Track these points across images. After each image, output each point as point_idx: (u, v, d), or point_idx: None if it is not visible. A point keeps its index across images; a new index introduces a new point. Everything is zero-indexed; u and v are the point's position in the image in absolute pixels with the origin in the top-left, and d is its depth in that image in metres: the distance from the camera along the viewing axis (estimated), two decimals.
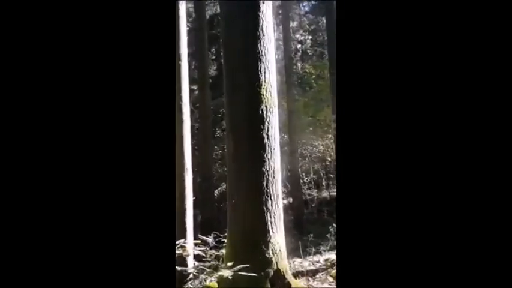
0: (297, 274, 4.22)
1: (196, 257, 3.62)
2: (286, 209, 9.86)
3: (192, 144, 12.19)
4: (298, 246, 4.95)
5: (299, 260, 4.92)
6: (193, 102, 11.93)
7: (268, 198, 3.15)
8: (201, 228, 7.36)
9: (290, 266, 4.59)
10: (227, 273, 2.22)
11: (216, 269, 2.30)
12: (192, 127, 12.05)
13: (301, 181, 10.61)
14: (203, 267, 2.45)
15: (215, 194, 9.39)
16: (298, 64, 14.65)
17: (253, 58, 3.20)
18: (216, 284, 2.08)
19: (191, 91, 11.62)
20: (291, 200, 9.74)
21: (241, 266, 2.44)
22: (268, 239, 3.11)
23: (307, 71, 11.96)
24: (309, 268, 4.53)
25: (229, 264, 2.64)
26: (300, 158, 10.75)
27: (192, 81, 11.48)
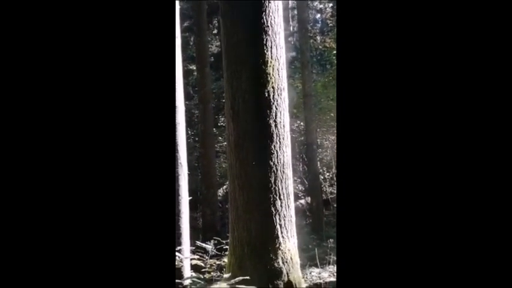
0: (314, 287, 4.22)
1: (194, 268, 3.63)
2: (304, 210, 9.87)
3: (192, 135, 12.19)
4: (315, 254, 4.94)
5: (317, 270, 4.91)
6: (192, 85, 11.95)
7: (277, 198, 3.13)
8: (202, 233, 7.43)
9: (306, 278, 4.60)
10: (223, 286, 2.21)
11: (210, 281, 2.29)
12: (192, 114, 12.10)
13: (321, 177, 10.58)
14: (197, 279, 2.45)
15: (219, 194, 9.42)
16: (318, 38, 14.49)
17: (257, 30, 3.16)
18: None
19: (190, 72, 11.63)
20: (309, 199, 9.72)
21: (241, 278, 2.42)
22: (277, 245, 3.09)
23: (328, 45, 11.82)
24: (328, 279, 4.52)
25: (226, 275, 2.63)
26: (319, 150, 10.71)
27: (190, 59, 11.50)
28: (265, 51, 3.16)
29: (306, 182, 10.16)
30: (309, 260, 5.10)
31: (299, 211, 9.62)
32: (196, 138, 10.57)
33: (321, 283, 4.32)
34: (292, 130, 10.37)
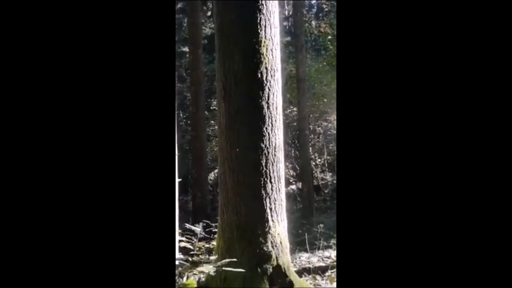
0: (303, 271, 4.21)
1: (183, 250, 3.59)
2: (295, 195, 9.87)
3: (184, 118, 12.07)
4: (306, 239, 4.93)
5: (306, 255, 4.91)
6: (185, 67, 11.79)
7: (268, 181, 3.07)
8: (192, 216, 7.40)
9: (295, 262, 4.59)
10: (208, 268, 2.16)
11: (195, 263, 2.25)
12: (184, 97, 11.96)
13: (313, 163, 10.56)
14: (183, 262, 2.40)
15: (210, 177, 9.38)
16: (313, 22, 14.35)
17: (251, 8, 3.06)
18: (194, 283, 2.03)
19: (183, 54, 11.47)
20: (300, 185, 9.72)
21: (226, 260, 2.38)
22: (267, 229, 3.05)
23: (322, 30, 11.70)
24: (317, 264, 4.52)
25: (213, 257, 2.59)
26: (311, 136, 10.67)
27: (183, 41, 11.32)
28: (259, 30, 3.07)
29: (298, 168, 10.14)
30: (299, 245, 5.09)
31: (290, 196, 9.63)
32: (189, 121, 10.49)
33: (310, 268, 4.31)
34: (285, 115, 10.33)
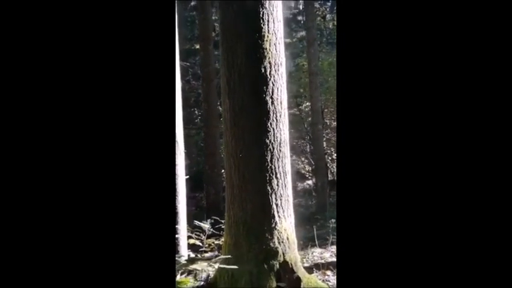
0: (314, 267, 4.17)
1: (192, 247, 3.59)
2: (310, 190, 9.80)
3: (198, 115, 12.00)
4: (319, 235, 4.87)
5: (319, 250, 4.86)
6: (198, 64, 11.78)
7: (273, 177, 3.04)
8: (206, 213, 7.41)
9: (307, 258, 4.55)
10: (202, 266, 2.15)
11: (192, 260, 2.24)
12: (198, 95, 11.94)
13: (329, 158, 10.46)
14: (179, 260, 2.40)
15: (223, 174, 9.38)
16: (327, 16, 14.20)
17: (253, 2, 3.02)
18: (188, 280, 2.02)
19: (196, 51, 11.47)
20: (315, 180, 9.64)
21: (222, 256, 2.36)
22: (273, 225, 3.02)
23: (335, 23, 11.55)
24: (330, 260, 4.47)
25: (208, 254, 2.58)
26: (327, 131, 10.57)
27: (197, 39, 11.31)
28: (262, 24, 3.03)
29: (312, 162, 10.07)
30: (311, 241, 5.05)
31: (306, 191, 9.57)
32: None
33: (321, 263, 4.26)
34: (298, 110, 10.25)
